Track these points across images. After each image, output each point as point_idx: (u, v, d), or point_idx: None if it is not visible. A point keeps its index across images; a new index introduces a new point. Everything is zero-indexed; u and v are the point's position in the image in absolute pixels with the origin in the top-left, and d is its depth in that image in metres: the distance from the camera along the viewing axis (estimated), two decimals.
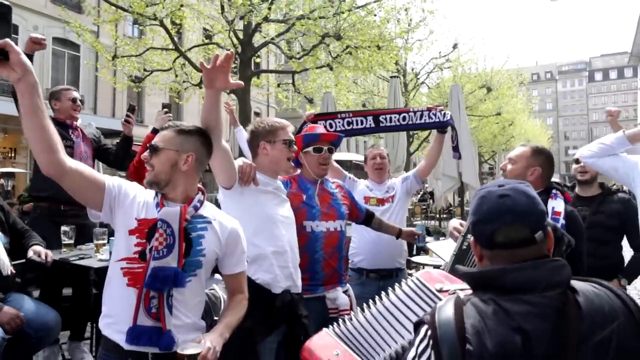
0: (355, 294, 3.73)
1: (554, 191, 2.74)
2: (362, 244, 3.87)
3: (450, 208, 18.39)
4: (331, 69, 12.35)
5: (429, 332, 1.23)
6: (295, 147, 2.70)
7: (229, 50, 12.24)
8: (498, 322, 1.19)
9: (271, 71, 15.02)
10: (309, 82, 14.42)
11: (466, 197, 10.61)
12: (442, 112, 3.90)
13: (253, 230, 2.47)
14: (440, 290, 1.83)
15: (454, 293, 1.40)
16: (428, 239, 5.19)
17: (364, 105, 21.04)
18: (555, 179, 2.93)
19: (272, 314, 2.46)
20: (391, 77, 12.41)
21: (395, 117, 3.96)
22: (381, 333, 1.87)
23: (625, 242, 3.62)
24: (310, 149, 3.01)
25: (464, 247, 2.54)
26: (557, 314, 1.19)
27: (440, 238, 7.14)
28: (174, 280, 1.89)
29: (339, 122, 3.88)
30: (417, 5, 13.64)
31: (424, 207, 20.65)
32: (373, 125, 3.95)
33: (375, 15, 11.81)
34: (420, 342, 1.25)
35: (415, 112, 3.94)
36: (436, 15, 21.07)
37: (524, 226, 1.28)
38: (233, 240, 2.09)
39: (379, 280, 3.75)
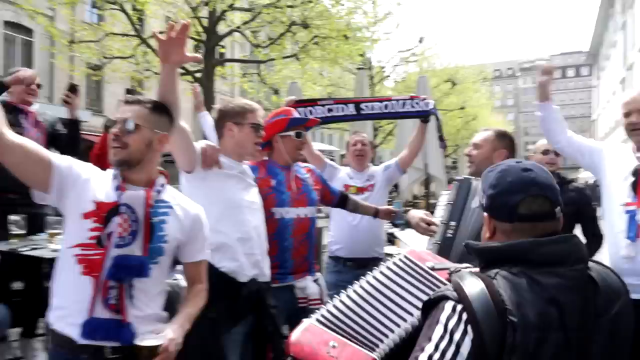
0: (331, 282, 3.66)
1: None
2: (340, 232, 3.81)
3: (416, 200, 18.51)
4: (298, 59, 12.22)
5: (459, 308, 1.18)
6: (262, 132, 2.58)
7: (193, 38, 11.99)
8: (534, 294, 1.17)
9: (236, 60, 14.77)
10: (275, 72, 14.25)
11: (432, 189, 10.68)
12: (425, 102, 3.84)
13: (217, 217, 2.33)
14: (433, 269, 1.73)
15: (456, 271, 1.36)
16: (394, 229, 5.15)
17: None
18: None
19: (238, 303, 2.34)
20: (358, 68, 12.30)
21: (377, 104, 3.89)
22: (377, 316, 1.69)
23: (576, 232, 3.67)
24: (292, 133, 2.89)
25: (449, 235, 2.48)
26: (584, 287, 1.22)
27: (407, 229, 7.13)
28: (140, 270, 1.76)
29: (320, 109, 3.80)
30: None
31: (389, 199, 20.73)
32: (354, 112, 3.86)
33: (342, 5, 11.69)
34: (448, 319, 1.18)
35: (397, 101, 3.87)
36: (403, 7, 21.16)
37: (547, 199, 1.28)
38: (196, 226, 1.98)
39: (355, 269, 3.66)
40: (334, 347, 1.57)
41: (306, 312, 2.84)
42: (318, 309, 2.80)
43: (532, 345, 1.14)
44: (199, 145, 2.33)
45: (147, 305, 1.82)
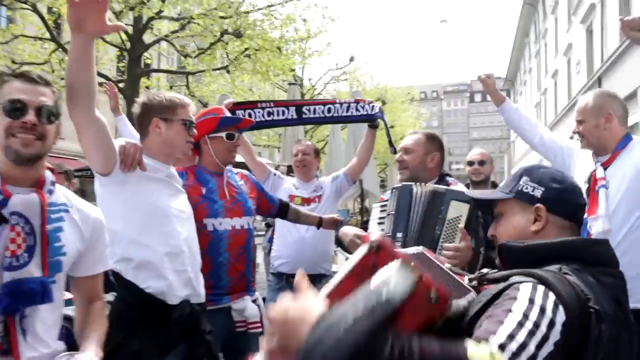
0: (274, 300, 3.30)
1: (449, 178, 2.55)
2: (284, 245, 3.52)
3: (350, 216, 18.37)
4: (228, 72, 11.82)
5: (542, 287, 1.08)
6: (195, 130, 2.24)
7: (116, 46, 11.32)
8: (601, 290, 1.14)
9: (163, 71, 14.09)
10: (204, 85, 13.74)
11: (366, 204, 10.60)
12: (371, 105, 3.61)
13: (140, 228, 1.98)
14: (451, 270, 1.40)
15: (484, 275, 1.30)
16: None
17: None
18: None
19: (168, 330, 1.97)
20: (290, 84, 12.14)
21: (319, 108, 3.62)
22: None
23: None
24: (222, 134, 2.56)
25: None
26: (624, 285, 1.23)
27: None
28: (43, 295, 1.39)
29: (259, 112, 3.49)
30: (318, 12, 13.58)
31: None
32: (295, 116, 3.59)
33: (275, 18, 11.47)
34: (532, 295, 1.06)
35: (341, 104, 3.63)
36: (335, 26, 21.36)
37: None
38: (97, 232, 1.64)
39: None
40: None
41: (245, 337, 2.50)
42: (261, 332, 2.49)
43: (614, 339, 1.10)
44: (118, 142, 1.95)
45: (41, 340, 1.42)
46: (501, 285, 1.13)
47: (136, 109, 2.23)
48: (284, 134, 10.16)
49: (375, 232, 2.33)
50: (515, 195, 1.34)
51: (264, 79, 12.73)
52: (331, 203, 3.65)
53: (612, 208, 2.32)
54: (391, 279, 0.95)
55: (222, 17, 10.32)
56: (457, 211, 2.12)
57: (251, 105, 3.60)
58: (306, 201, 3.53)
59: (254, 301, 2.55)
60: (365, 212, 10.52)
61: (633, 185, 2.31)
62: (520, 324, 0.99)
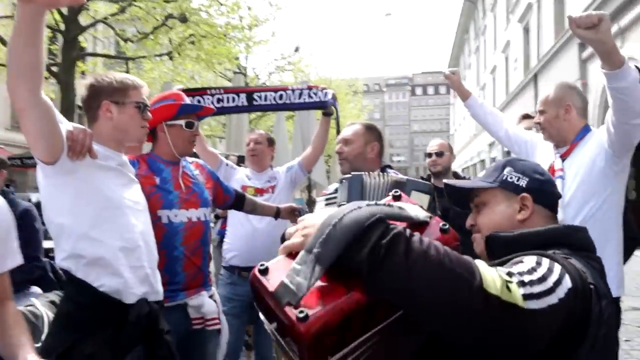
0: (225, 296, 3.17)
1: (390, 170, 2.51)
2: (235, 238, 3.35)
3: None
4: (171, 58, 11.41)
5: (556, 263, 1.08)
6: (149, 114, 2.08)
7: (49, 27, 10.62)
8: (593, 271, 1.16)
9: (102, 55, 13.38)
10: (145, 72, 13.20)
11: (313, 196, 10.54)
12: (324, 91, 3.53)
13: (91, 221, 1.82)
14: None
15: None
16: None
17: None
18: None
19: (125, 331, 1.81)
20: (235, 73, 11.89)
21: (271, 95, 3.52)
22: None
23: None
24: (182, 122, 2.41)
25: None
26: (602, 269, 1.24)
27: None
28: None
29: (208, 99, 3.37)
30: (264, 0, 13.31)
31: None
32: (246, 103, 3.49)
33: (221, 4, 11.16)
34: (550, 264, 1.08)
35: (293, 91, 3.53)
36: (280, 15, 21.09)
37: None
38: (4, 223, 1.53)
39: None
40: None
41: (201, 335, 2.38)
42: (217, 330, 2.37)
43: (612, 317, 1.14)
44: (65, 127, 1.77)
45: None
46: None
47: (83, 91, 2.04)
48: (229, 123, 9.90)
49: None
50: (500, 185, 1.34)
51: (208, 66, 12.41)
52: (286, 194, 3.54)
53: (566, 199, 2.36)
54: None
55: (165, 1, 9.92)
56: (419, 201, 2.10)
57: (200, 92, 3.45)
58: (259, 192, 3.40)
59: (210, 296, 2.43)
60: (313, 203, 10.49)
61: (587, 176, 2.36)
62: (531, 270, 1.04)
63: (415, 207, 1.18)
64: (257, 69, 22.27)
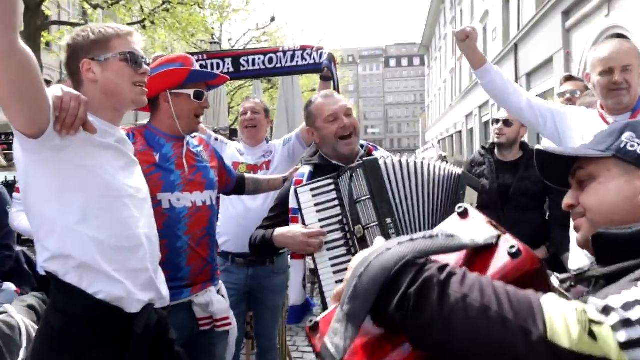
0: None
1: (363, 142, 2.21)
2: (228, 221, 2.99)
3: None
4: (144, 27, 10.79)
5: None
6: (146, 66, 1.67)
7: None
8: None
9: (68, 23, 12.51)
10: None
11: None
12: (319, 52, 3.13)
13: (82, 212, 1.46)
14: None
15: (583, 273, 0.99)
16: None
17: None
18: None
19: (131, 348, 1.47)
20: (211, 43, 11.38)
21: (259, 58, 3.13)
22: None
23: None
24: (190, 91, 2.04)
25: (393, 236, 1.76)
26: None
27: None
28: None
29: None
30: None
31: None
32: (232, 69, 3.10)
33: None
34: None
35: (285, 52, 3.14)
36: None
37: None
38: None
39: (246, 267, 2.95)
40: None
41: (209, 336, 2.08)
42: (227, 331, 2.07)
43: None
44: (53, 91, 1.39)
45: None
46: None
47: (63, 55, 1.67)
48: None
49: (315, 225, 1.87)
50: (616, 154, 1.02)
51: (183, 36, 11.81)
52: (283, 169, 3.11)
53: None
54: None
55: None
56: (469, 198, 1.81)
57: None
58: (252, 169, 3.04)
59: (218, 291, 2.12)
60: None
61: None
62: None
63: (477, 225, 0.93)
64: (232, 40, 21.56)
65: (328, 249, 1.86)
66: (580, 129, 2.27)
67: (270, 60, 3.12)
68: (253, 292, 3.02)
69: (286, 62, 3.13)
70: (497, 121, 3.32)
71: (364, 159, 1.90)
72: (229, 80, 2.30)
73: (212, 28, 15.34)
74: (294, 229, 1.92)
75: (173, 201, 1.96)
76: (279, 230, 2.00)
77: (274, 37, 22.49)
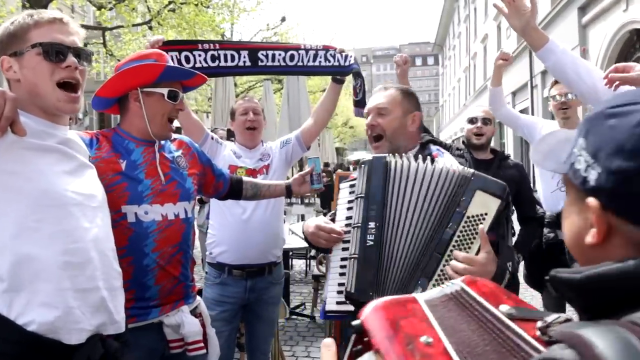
0: (213, 299, 2.67)
1: (433, 146, 2.01)
2: (224, 230, 2.79)
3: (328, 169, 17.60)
4: (150, 28, 10.72)
5: None
6: (72, 58, 1.44)
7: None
8: None
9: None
10: (123, 43, 12.45)
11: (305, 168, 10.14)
12: (344, 55, 2.86)
13: (15, 226, 1.29)
14: (512, 317, 0.86)
15: (548, 325, 0.71)
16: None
17: None
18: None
19: None
20: None
21: (279, 54, 2.81)
22: None
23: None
24: (163, 90, 1.85)
25: (369, 243, 1.60)
26: None
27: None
28: None
29: (200, 56, 2.65)
30: None
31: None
32: (249, 63, 2.76)
33: None
34: None
35: (307, 51, 2.83)
36: None
37: None
38: None
39: (245, 279, 2.76)
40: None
41: None
42: (201, 354, 1.89)
43: None
44: None
45: None
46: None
47: None
48: (214, 96, 9.27)
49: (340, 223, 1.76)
50: (568, 171, 0.75)
51: (189, 36, 11.72)
52: (280, 175, 2.96)
53: None
54: None
55: None
56: (483, 206, 1.52)
57: (190, 45, 2.71)
58: (251, 173, 2.83)
59: (194, 309, 1.95)
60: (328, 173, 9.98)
61: None
62: None
63: None
64: (243, 40, 21.49)
65: (343, 249, 1.73)
66: None
67: (292, 58, 2.84)
68: (250, 305, 2.84)
69: (308, 61, 2.85)
70: (473, 120, 3.23)
71: (373, 156, 1.74)
72: (206, 81, 2.08)
73: (221, 28, 15.24)
74: (314, 220, 1.85)
75: (140, 214, 1.77)
76: (308, 221, 1.93)
77: (284, 37, 22.37)
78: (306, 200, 18.65)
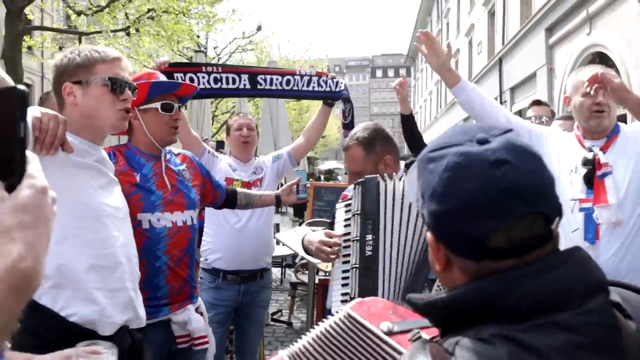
0: (208, 302, 2.84)
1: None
2: (219, 237, 2.98)
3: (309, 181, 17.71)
4: (128, 34, 10.73)
5: None
6: (129, 91, 1.69)
7: None
8: None
9: (52, 29, 12.41)
10: None
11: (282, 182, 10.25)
12: (335, 81, 3.18)
13: (60, 233, 1.44)
14: (390, 333, 1.12)
15: (418, 337, 0.88)
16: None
17: None
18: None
19: None
20: (196, 51, 11.36)
21: (277, 79, 3.10)
22: None
23: None
24: (156, 105, 2.05)
25: (368, 252, 1.84)
26: (612, 337, 0.70)
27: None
28: None
29: (204, 78, 2.89)
30: None
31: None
32: (249, 86, 3.03)
33: None
34: None
35: (302, 76, 3.14)
36: None
37: (539, 216, 0.73)
38: None
39: (239, 283, 2.95)
40: None
41: (187, 354, 2.06)
42: (205, 349, 2.06)
43: None
44: (32, 113, 1.40)
45: None
46: None
47: (51, 74, 1.68)
48: (189, 105, 9.36)
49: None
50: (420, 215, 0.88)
51: (168, 43, 11.78)
52: (272, 187, 3.19)
53: (621, 196, 2.10)
54: None
55: None
56: None
57: (194, 68, 2.98)
58: (246, 185, 3.04)
59: (196, 309, 2.12)
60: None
61: (639, 173, 2.11)
62: None
63: None
64: (218, 48, 21.54)
65: (343, 262, 1.95)
66: (556, 150, 2.31)
67: (288, 82, 3.13)
68: (242, 307, 3.03)
69: (303, 85, 3.15)
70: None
71: (366, 177, 1.95)
72: (196, 89, 2.29)
73: (198, 37, 15.32)
74: (315, 235, 2.05)
75: (153, 221, 1.96)
76: (308, 235, 2.15)
77: (260, 46, 22.57)
78: (281, 209, 18.78)
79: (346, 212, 1.98)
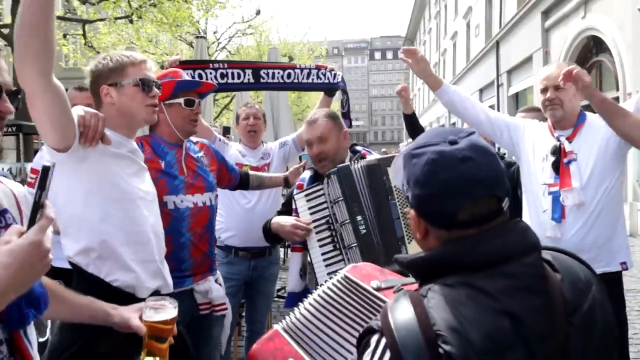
0: (222, 275, 3.17)
1: (358, 147, 2.57)
2: (231, 217, 3.29)
3: None
4: (131, 21, 10.92)
5: (383, 341, 0.92)
6: (156, 90, 1.96)
7: None
8: (478, 307, 0.91)
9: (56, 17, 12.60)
10: (102, 35, 12.57)
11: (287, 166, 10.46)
12: (333, 73, 3.47)
13: (101, 213, 1.75)
14: (379, 289, 1.44)
15: (400, 289, 1.15)
16: None
17: (162, 68, 19.42)
18: None
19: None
20: (197, 37, 11.53)
21: (278, 72, 3.39)
22: (331, 342, 1.48)
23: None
24: (180, 100, 2.32)
25: (363, 231, 2.21)
26: (543, 283, 0.98)
27: None
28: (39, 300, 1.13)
29: (211, 74, 3.18)
30: None
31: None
32: (252, 80, 3.32)
33: None
34: (372, 355, 0.93)
35: (302, 70, 3.43)
36: None
37: (493, 197, 1.01)
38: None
39: (249, 259, 3.27)
40: None
41: (208, 320, 2.36)
42: (223, 315, 2.36)
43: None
44: (76, 112, 1.67)
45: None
46: (366, 327, 1.00)
47: (87, 78, 1.95)
48: None
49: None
50: (405, 189, 1.11)
51: (169, 29, 11.95)
52: (279, 171, 3.47)
53: (584, 180, 2.38)
54: None
55: None
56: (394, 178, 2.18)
57: (202, 65, 3.26)
58: (255, 170, 3.30)
59: (215, 280, 2.41)
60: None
61: (602, 158, 2.39)
62: None
63: None
64: (218, 32, 21.59)
65: (320, 245, 2.27)
66: (531, 140, 2.61)
67: (289, 75, 3.40)
68: (252, 281, 3.33)
69: (303, 78, 3.42)
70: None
71: (338, 166, 2.29)
72: (215, 86, 2.61)
73: (198, 22, 15.43)
74: (286, 219, 2.36)
75: (177, 202, 2.24)
76: (276, 219, 2.45)
77: (259, 30, 22.59)
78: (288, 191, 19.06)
79: (308, 200, 2.31)
